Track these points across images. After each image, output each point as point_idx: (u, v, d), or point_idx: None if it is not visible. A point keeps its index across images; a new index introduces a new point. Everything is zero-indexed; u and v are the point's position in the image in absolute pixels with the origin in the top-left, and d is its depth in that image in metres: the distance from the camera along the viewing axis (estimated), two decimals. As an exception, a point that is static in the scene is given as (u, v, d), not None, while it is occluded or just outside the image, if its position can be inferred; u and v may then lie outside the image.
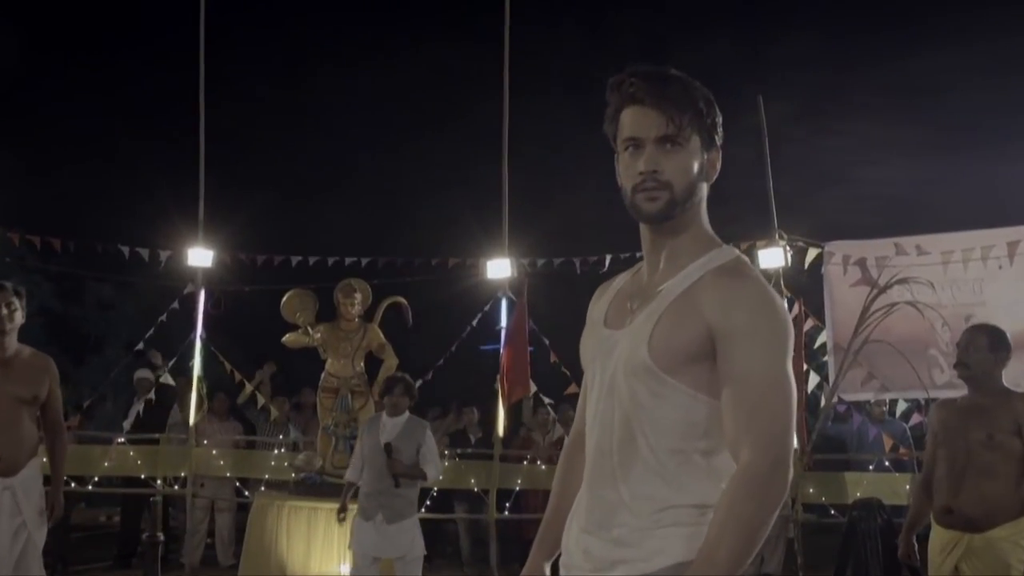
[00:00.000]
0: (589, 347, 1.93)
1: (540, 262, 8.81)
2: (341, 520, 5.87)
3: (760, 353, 1.67)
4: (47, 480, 4.59)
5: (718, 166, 1.87)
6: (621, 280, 1.99)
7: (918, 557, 4.19)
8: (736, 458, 1.67)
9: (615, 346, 1.82)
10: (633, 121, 1.80)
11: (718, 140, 1.85)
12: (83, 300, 16.86)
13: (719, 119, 1.84)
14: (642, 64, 1.81)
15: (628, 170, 1.81)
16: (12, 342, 4.43)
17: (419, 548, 5.57)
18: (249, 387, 9.07)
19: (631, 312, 1.83)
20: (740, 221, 7.95)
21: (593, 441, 1.85)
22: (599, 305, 1.97)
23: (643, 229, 1.88)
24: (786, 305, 7.49)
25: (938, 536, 3.93)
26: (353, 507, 5.75)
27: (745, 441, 1.64)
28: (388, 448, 5.42)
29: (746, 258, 1.84)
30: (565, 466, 2.09)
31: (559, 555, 1.96)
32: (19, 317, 4.39)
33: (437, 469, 5.64)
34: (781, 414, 1.66)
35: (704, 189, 1.85)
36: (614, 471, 1.78)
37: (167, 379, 8.77)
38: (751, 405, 1.66)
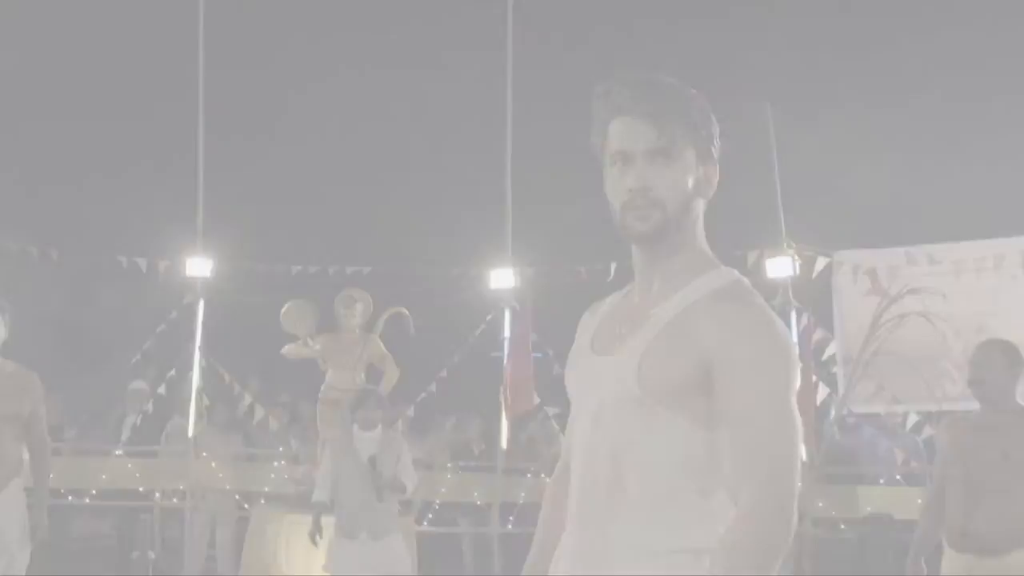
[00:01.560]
0: (575, 375, 1.79)
1: (544, 270, 8.69)
2: (317, 542, 5.69)
3: (761, 388, 1.55)
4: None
5: (715, 181, 1.72)
6: (611, 302, 1.85)
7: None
8: (736, 500, 1.54)
9: (602, 374, 1.69)
10: (621, 133, 1.66)
11: (715, 152, 1.70)
12: (90, 308, 16.81)
13: (716, 129, 1.70)
14: (631, 71, 1.68)
15: (616, 186, 1.68)
16: None
17: (406, 564, 5.49)
18: (247, 399, 8.96)
19: (620, 337, 1.70)
20: (745, 230, 7.82)
21: (578, 477, 1.72)
22: (587, 329, 1.83)
23: (634, 249, 1.74)
24: (794, 316, 7.49)
25: (951, 560, 3.79)
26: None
27: (745, 483, 1.52)
28: (374, 461, 5.40)
29: (746, 280, 1.70)
30: (551, 502, 1.94)
31: None
32: (1, 333, 4.30)
33: (414, 481, 5.63)
34: (784, 454, 1.53)
35: (700, 206, 1.72)
36: (601, 511, 1.65)
37: (162, 390, 8.68)
38: (752, 444, 1.53)
